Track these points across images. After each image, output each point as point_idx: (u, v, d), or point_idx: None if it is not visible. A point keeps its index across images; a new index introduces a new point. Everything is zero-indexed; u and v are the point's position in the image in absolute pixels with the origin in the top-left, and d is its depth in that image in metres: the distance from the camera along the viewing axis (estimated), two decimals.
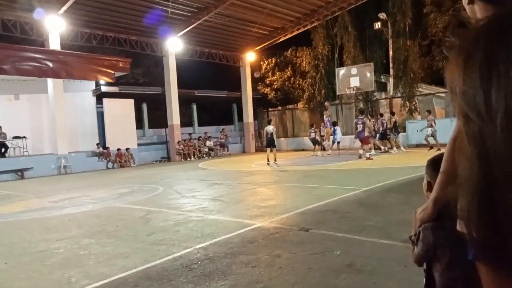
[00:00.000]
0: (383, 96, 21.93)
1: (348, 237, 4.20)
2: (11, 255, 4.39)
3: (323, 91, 22.72)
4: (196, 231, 4.88)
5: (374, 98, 21.21)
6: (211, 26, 19.52)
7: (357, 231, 4.41)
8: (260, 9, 18.80)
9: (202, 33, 20.18)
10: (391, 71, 20.22)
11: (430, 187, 1.47)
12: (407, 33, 19.43)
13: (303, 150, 19.52)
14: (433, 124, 15.03)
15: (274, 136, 15.09)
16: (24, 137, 16.70)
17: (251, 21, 20.05)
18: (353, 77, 18.60)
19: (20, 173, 15.04)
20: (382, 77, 22.05)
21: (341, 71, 19.37)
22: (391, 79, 20.51)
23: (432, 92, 20.60)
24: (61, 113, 16.39)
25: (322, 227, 4.69)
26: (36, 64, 14.84)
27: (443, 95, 19.71)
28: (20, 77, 15.92)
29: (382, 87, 22.49)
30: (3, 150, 16.16)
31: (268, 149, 14.82)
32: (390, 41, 19.90)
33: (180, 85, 20.70)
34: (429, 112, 15.80)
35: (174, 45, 19.78)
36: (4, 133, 16.19)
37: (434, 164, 1.50)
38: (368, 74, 18.21)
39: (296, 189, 8.12)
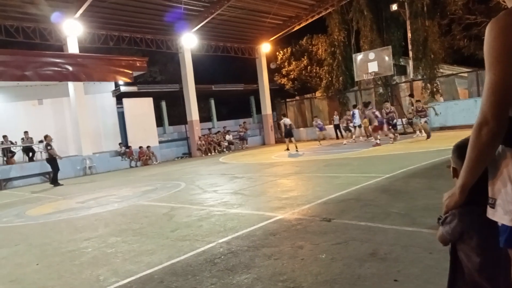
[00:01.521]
0: (403, 79, 21.45)
1: (371, 225, 4.15)
2: (43, 256, 4.55)
3: (341, 78, 22.42)
4: (219, 225, 4.93)
5: (394, 82, 20.75)
6: (225, 19, 19.49)
7: (380, 219, 4.35)
8: None
9: (216, 27, 20.18)
10: (410, 53, 19.72)
11: (456, 174, 1.44)
12: (425, 13, 18.87)
13: (323, 139, 19.32)
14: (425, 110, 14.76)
15: (293, 127, 16.45)
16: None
17: (264, 12, 19.90)
18: (371, 62, 18.24)
19: (47, 175, 15.50)
20: (401, 60, 21.56)
21: (358, 57, 19.03)
22: (410, 62, 20.02)
23: (454, 72, 20.01)
24: (83, 115, 16.77)
25: (344, 216, 4.66)
26: (56, 68, 15.23)
27: (465, 74, 19.13)
28: (42, 82, 16.33)
29: (401, 70, 21.99)
30: (30, 154, 16.70)
31: (287, 140, 16.20)
32: (408, 23, 19.39)
33: (197, 81, 20.81)
34: (411, 96, 15.52)
35: (189, 41, 19.86)
36: (31, 138, 16.72)
37: (459, 150, 1.46)
38: (387, 58, 17.82)
39: (317, 178, 8.07)
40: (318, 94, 24.64)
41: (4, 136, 16.16)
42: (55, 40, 16.36)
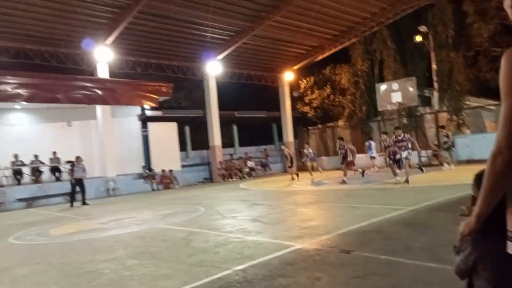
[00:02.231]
0: (428, 110, 21.17)
1: (393, 260, 4.02)
2: (62, 276, 4.60)
3: (364, 108, 22.34)
4: (236, 252, 4.88)
5: (418, 113, 20.50)
6: (249, 48, 19.96)
7: (402, 253, 4.21)
8: (296, 29, 19.01)
9: (240, 55, 20.65)
10: (435, 84, 19.54)
11: (474, 202, 1.42)
12: (450, 44, 18.80)
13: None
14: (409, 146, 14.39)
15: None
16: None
17: (288, 41, 20.28)
18: (394, 92, 18.13)
19: (73, 196, 15.83)
20: (425, 91, 21.36)
21: (381, 87, 18.97)
22: (435, 93, 19.81)
23: (481, 104, 19.63)
24: (109, 137, 17.23)
25: (364, 249, 4.54)
26: (86, 92, 15.83)
27: (493, 107, 18.72)
28: (72, 105, 16.95)
29: (426, 101, 21.76)
30: (57, 174, 17.18)
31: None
32: (433, 54, 19.33)
33: (221, 107, 21.16)
34: (397, 128, 12.79)
35: (213, 69, 20.36)
36: (59, 158, 17.24)
37: (477, 179, 1.46)
38: (411, 89, 17.68)
39: (337, 209, 7.94)
40: (340, 123, 24.56)
41: (35, 156, 16.75)
42: (87, 65, 17.09)
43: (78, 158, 14.23)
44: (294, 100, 25.41)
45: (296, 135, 25.00)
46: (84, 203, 13.68)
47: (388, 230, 5.42)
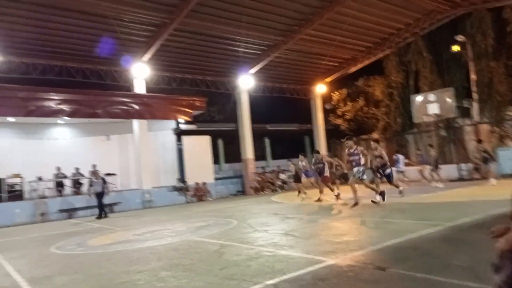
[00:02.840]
0: (467, 122, 20.38)
1: (430, 278, 3.87)
2: (98, 286, 4.74)
3: (398, 120, 21.83)
4: (267, 266, 4.85)
5: (457, 125, 19.78)
6: (281, 61, 20.12)
7: (440, 271, 4.04)
8: (329, 41, 18.99)
9: (272, 69, 20.84)
10: (474, 95, 18.83)
11: None
12: (490, 53, 18.11)
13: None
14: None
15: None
16: (114, 174, 18.28)
17: (320, 54, 20.28)
18: (431, 104, 17.65)
19: (110, 207, 16.38)
20: (464, 102, 20.62)
21: (417, 98, 18.53)
22: (474, 104, 19.07)
23: None
24: (145, 151, 17.76)
25: (400, 266, 4.39)
26: (124, 107, 16.48)
27: None
28: (110, 120, 17.65)
29: (465, 112, 20.98)
30: None
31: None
32: (471, 64, 18.67)
33: (253, 120, 21.34)
34: (376, 141, 11.87)
35: (246, 83, 20.63)
36: (98, 171, 17.89)
37: None
38: (448, 100, 17.16)
39: (372, 223, 7.75)
40: (375, 135, 24.07)
41: (76, 168, 17.50)
42: (124, 81, 17.80)
43: (95, 172, 14.59)
44: (326, 112, 25.23)
45: (329, 148, 24.72)
46: (98, 217, 13.81)
47: (425, 246, 5.22)
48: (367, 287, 3.78)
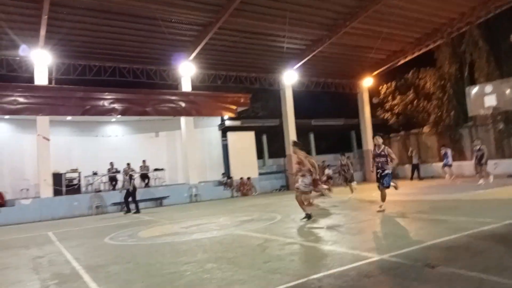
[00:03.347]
0: None
1: (483, 278, 3.66)
2: (147, 275, 4.95)
3: (452, 113, 20.73)
4: (311, 261, 4.83)
5: None
6: (326, 56, 19.76)
7: (495, 272, 3.81)
8: (376, 34, 18.38)
9: (316, 63, 20.54)
10: None
11: None
12: None
13: (431, 177, 17.90)
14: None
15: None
16: (162, 169, 18.96)
17: (367, 47, 19.68)
18: (488, 96, 16.60)
19: (159, 201, 17.02)
20: None
21: (472, 90, 17.48)
22: None
23: None
24: (192, 147, 18.26)
25: (450, 265, 4.19)
26: (171, 105, 17.03)
27: None
28: (159, 117, 18.30)
29: None
30: (146, 181, 18.59)
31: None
32: None
33: (297, 115, 21.20)
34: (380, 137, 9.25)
35: (290, 78, 20.52)
36: (148, 166, 18.67)
37: None
38: (508, 91, 16.03)
39: (421, 220, 7.45)
40: (425, 129, 23.06)
41: (128, 164, 18.33)
42: (172, 80, 18.37)
43: (124, 169, 15.21)
44: (373, 106, 24.49)
45: None
46: (125, 212, 14.30)
47: (478, 245, 4.95)
48: (414, 286, 3.65)
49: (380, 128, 24.89)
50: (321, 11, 16.59)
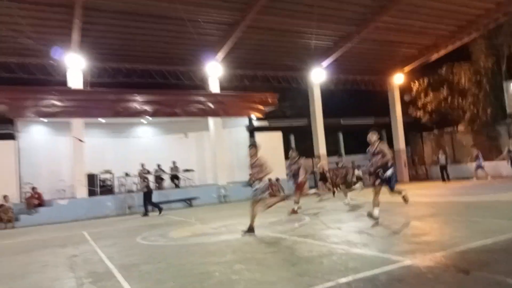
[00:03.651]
0: None
1: None
2: (178, 275, 5.04)
3: (488, 110, 19.91)
4: (340, 264, 4.76)
5: None
6: (355, 52, 19.43)
7: None
8: (407, 28, 17.92)
9: (345, 60, 20.23)
10: None
11: None
12: None
13: (467, 178, 17.27)
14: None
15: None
16: (192, 170, 19.22)
17: (397, 42, 19.23)
18: None
19: (189, 201, 17.27)
20: None
21: (511, 85, 16.70)
22: None
23: None
24: (220, 147, 18.41)
25: (487, 270, 4.02)
26: (200, 106, 17.25)
27: None
28: (188, 118, 18.56)
29: None
30: (176, 181, 18.91)
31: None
32: None
33: (325, 114, 20.97)
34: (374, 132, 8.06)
35: (318, 76, 20.31)
36: (177, 167, 18.98)
37: None
38: None
39: (455, 223, 7.19)
40: (460, 127, 22.26)
41: (158, 165, 18.74)
42: (200, 80, 18.59)
43: (138, 171, 15.49)
44: (405, 104, 23.85)
45: (408, 142, 23.41)
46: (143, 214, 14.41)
47: None
48: None
49: (412, 126, 24.25)
50: (349, 5, 16.32)
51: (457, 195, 12.18)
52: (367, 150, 8.05)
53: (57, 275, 5.65)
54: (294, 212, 10.34)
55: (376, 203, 7.55)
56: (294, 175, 11.03)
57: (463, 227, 6.64)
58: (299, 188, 10.91)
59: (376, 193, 7.64)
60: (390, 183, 7.81)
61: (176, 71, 18.17)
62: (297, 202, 10.64)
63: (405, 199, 8.46)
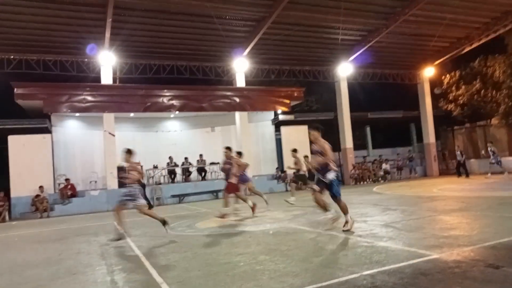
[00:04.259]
0: None
1: None
2: (204, 264, 5.17)
3: None
4: (364, 257, 4.75)
5: None
6: (383, 46, 19.05)
7: None
8: (438, 21, 17.38)
9: (373, 54, 19.87)
10: None
11: None
12: None
13: (500, 173, 16.64)
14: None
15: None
16: (218, 163, 19.42)
17: (428, 35, 18.70)
18: None
19: (215, 193, 17.52)
20: None
21: None
22: None
23: None
24: (246, 141, 18.54)
25: None
26: (226, 100, 17.42)
27: None
28: (215, 113, 18.78)
29: None
30: (203, 174, 19.22)
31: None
32: None
33: (352, 108, 20.72)
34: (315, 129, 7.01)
35: (345, 70, 20.05)
36: (204, 160, 19.28)
37: None
38: None
39: (486, 218, 7.00)
40: (494, 121, 21.45)
41: (185, 158, 19.09)
42: (227, 76, 18.76)
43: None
44: (435, 97, 23.20)
45: (438, 136, 22.80)
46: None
47: None
48: (476, 286, 3.47)
49: (442, 120, 23.59)
50: None
51: (489, 190, 11.80)
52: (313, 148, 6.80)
53: (90, 262, 5.91)
54: (222, 217, 9.20)
55: (324, 207, 6.80)
56: (226, 175, 9.97)
57: (494, 222, 6.46)
58: (229, 190, 9.70)
59: (317, 199, 6.73)
60: (331, 188, 6.49)
61: (203, 67, 18.41)
62: (226, 207, 9.50)
63: (343, 210, 6.71)
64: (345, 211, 6.63)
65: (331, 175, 6.43)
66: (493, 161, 15.97)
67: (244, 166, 10.85)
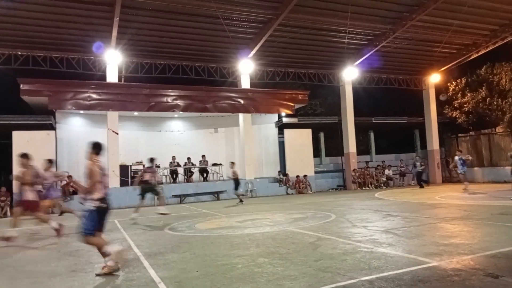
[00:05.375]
0: None
1: None
2: (203, 265, 5.17)
3: None
4: (363, 262, 4.73)
5: None
6: (389, 51, 18.99)
7: None
8: (445, 26, 17.32)
9: (379, 59, 19.81)
10: None
11: None
12: None
13: (504, 182, 16.52)
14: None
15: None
16: (220, 164, 19.47)
17: (434, 41, 18.62)
18: None
19: (216, 195, 17.53)
20: None
21: None
22: None
23: None
24: (249, 143, 18.55)
25: None
26: (230, 102, 17.43)
27: None
28: (218, 114, 18.79)
29: None
30: (205, 175, 19.22)
31: None
32: None
33: (357, 113, 20.67)
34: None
35: (350, 74, 20.02)
36: (207, 161, 19.28)
37: None
38: None
39: (488, 227, 6.95)
40: (499, 129, 21.32)
41: (188, 158, 19.11)
42: (232, 77, 18.78)
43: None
44: (440, 104, 23.10)
45: (442, 143, 22.69)
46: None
47: None
48: None
49: (447, 127, 23.48)
50: (384, 4, 15.98)
51: (492, 198, 11.72)
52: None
53: (90, 259, 5.92)
54: (5, 239, 7.56)
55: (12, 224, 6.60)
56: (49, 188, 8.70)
57: (495, 231, 6.40)
58: (29, 207, 7.89)
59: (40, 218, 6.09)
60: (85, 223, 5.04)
61: (209, 67, 18.44)
62: (13, 227, 7.72)
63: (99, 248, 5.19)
64: (99, 248, 5.08)
65: (89, 203, 5.08)
66: (461, 171, 14.82)
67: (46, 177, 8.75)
